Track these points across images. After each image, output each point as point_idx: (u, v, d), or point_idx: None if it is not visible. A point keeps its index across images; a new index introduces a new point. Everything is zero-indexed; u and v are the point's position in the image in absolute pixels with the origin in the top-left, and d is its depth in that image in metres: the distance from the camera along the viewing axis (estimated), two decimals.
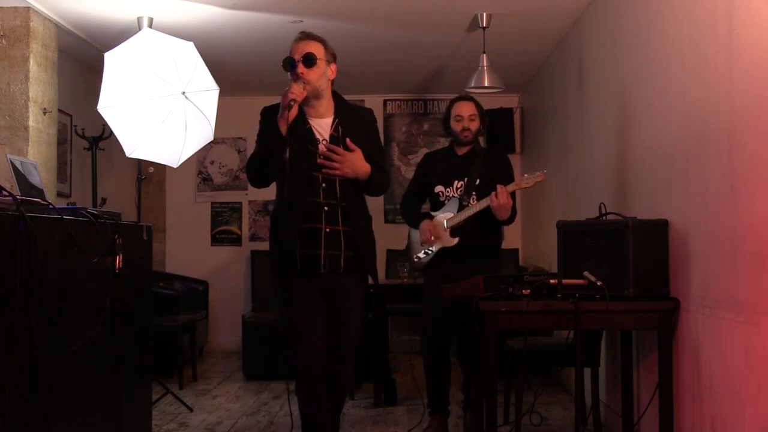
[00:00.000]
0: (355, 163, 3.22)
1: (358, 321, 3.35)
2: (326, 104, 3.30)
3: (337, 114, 3.31)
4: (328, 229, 3.21)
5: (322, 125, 3.29)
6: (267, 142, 3.23)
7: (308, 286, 3.24)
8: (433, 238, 4.36)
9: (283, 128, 3.14)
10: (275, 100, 3.27)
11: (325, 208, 3.22)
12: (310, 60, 3.18)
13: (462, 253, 4.34)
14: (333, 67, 3.29)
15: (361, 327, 3.38)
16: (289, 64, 3.21)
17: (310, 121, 3.28)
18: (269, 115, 3.27)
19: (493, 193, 4.17)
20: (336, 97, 3.35)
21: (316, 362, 3.20)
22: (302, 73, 3.17)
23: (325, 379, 3.24)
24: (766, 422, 2.67)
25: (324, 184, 3.22)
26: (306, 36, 3.27)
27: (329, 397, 3.28)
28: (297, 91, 3.14)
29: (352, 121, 3.33)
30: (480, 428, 3.74)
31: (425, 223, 4.41)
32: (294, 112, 3.15)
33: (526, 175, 4.29)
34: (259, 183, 3.35)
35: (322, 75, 3.23)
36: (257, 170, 3.30)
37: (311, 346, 3.21)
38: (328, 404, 3.27)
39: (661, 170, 3.66)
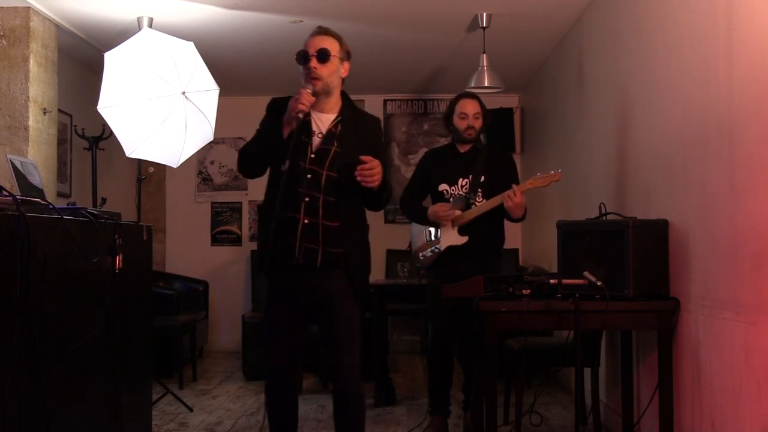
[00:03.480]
0: (380, 171, 3.11)
1: (352, 324, 3.22)
2: (333, 102, 3.25)
3: (342, 113, 3.25)
4: (306, 221, 3.13)
5: (323, 119, 3.23)
6: (265, 140, 3.22)
7: (288, 285, 3.19)
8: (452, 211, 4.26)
9: (286, 132, 3.11)
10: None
11: (306, 198, 3.14)
12: (324, 55, 3.13)
13: (468, 251, 4.31)
14: (346, 65, 3.24)
15: (357, 330, 3.24)
16: (303, 57, 3.16)
17: (312, 112, 3.21)
18: (276, 109, 3.22)
19: (508, 193, 4.12)
20: (344, 97, 3.30)
21: (283, 363, 3.19)
22: (315, 68, 3.13)
23: (293, 380, 3.25)
24: (766, 422, 2.67)
25: (309, 176, 3.15)
26: (322, 31, 3.23)
27: (296, 399, 3.27)
28: (306, 101, 3.08)
29: (354, 124, 3.26)
30: (480, 428, 3.74)
31: (436, 205, 4.35)
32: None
33: (539, 173, 4.21)
34: (247, 173, 3.36)
35: (335, 72, 3.19)
36: (247, 161, 3.31)
37: (279, 347, 3.19)
38: (293, 405, 3.26)
39: (661, 170, 3.66)
